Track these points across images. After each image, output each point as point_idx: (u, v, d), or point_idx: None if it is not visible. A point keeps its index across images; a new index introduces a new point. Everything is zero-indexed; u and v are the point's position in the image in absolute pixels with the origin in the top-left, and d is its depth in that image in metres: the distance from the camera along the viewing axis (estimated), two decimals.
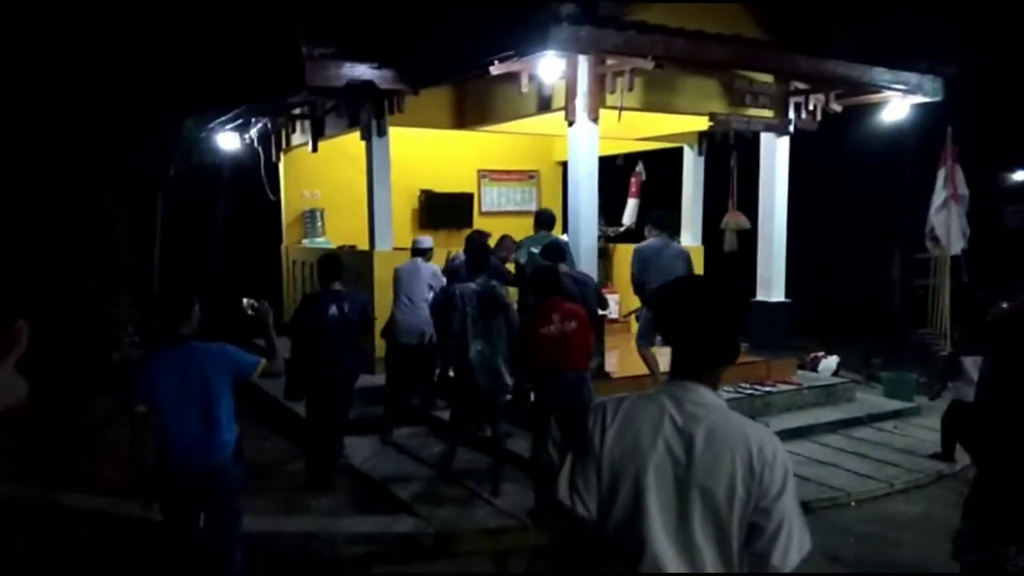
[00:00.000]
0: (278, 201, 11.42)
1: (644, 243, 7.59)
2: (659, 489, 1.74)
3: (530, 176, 13.01)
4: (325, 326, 6.04)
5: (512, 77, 7.24)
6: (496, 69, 6.64)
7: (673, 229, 7.86)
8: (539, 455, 1.76)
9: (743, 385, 7.96)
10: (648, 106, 7.46)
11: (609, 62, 6.93)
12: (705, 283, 2.04)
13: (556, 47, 5.97)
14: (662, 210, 8.20)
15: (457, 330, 5.88)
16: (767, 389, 7.93)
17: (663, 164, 11.88)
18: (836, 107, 8.44)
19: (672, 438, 1.77)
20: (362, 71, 7.41)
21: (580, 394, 5.26)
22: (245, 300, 4.18)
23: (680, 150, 11.00)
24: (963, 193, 10.26)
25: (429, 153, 11.06)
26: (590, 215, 7.28)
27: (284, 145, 11.17)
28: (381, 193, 8.70)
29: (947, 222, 10.17)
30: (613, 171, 12.53)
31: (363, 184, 10.46)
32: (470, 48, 6.84)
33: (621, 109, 6.90)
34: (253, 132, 10.93)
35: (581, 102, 7.01)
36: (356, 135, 8.97)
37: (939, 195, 10.19)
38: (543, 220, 7.57)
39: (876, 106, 8.85)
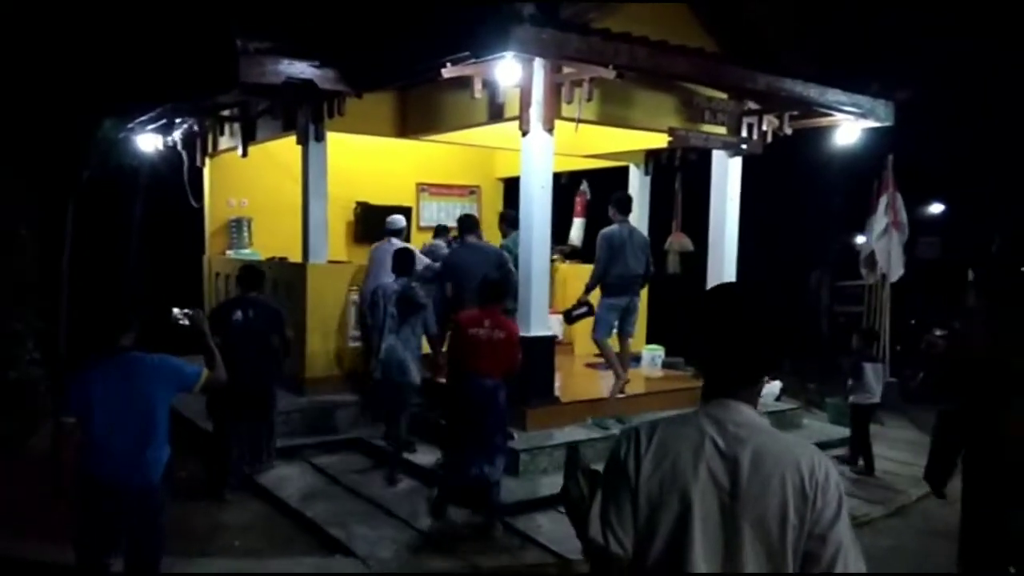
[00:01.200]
0: (201, 209, 10.69)
1: (611, 228, 7.49)
2: (704, 520, 1.58)
3: (471, 191, 12.62)
4: (228, 331, 5.97)
5: (463, 83, 6.84)
6: (449, 72, 6.22)
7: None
8: (569, 489, 1.45)
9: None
10: (604, 119, 7.17)
11: (566, 70, 6.60)
12: (748, 286, 1.86)
13: (517, 48, 5.59)
14: (624, 192, 8.14)
15: (379, 327, 6.37)
16: None
17: (607, 183, 11.64)
18: (787, 130, 8.34)
19: (715, 463, 1.62)
20: (301, 69, 6.89)
21: (495, 400, 5.37)
22: (176, 310, 4.11)
23: (625, 169, 10.80)
24: (903, 221, 10.38)
25: (366, 163, 10.52)
26: (543, 231, 6.91)
27: (210, 149, 10.48)
28: (317, 202, 8.14)
29: (887, 248, 10.24)
30: (557, 189, 12.26)
31: (294, 193, 9.88)
32: (421, 49, 6.41)
33: (579, 121, 6.57)
34: (177, 134, 10.22)
35: (536, 111, 6.65)
36: (290, 140, 8.42)
37: (880, 222, 10.27)
38: (513, 220, 7.81)
39: (810, 132, 8.83)
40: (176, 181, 10.37)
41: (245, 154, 9.35)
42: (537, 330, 6.88)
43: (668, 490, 1.61)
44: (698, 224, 11.82)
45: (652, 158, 10.54)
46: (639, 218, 10.69)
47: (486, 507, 5.48)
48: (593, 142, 9.01)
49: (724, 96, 7.51)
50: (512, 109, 6.95)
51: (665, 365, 9.35)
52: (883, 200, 10.19)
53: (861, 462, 7.26)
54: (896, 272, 10.34)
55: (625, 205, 7.63)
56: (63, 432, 3.56)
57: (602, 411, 7.27)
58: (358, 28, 7.12)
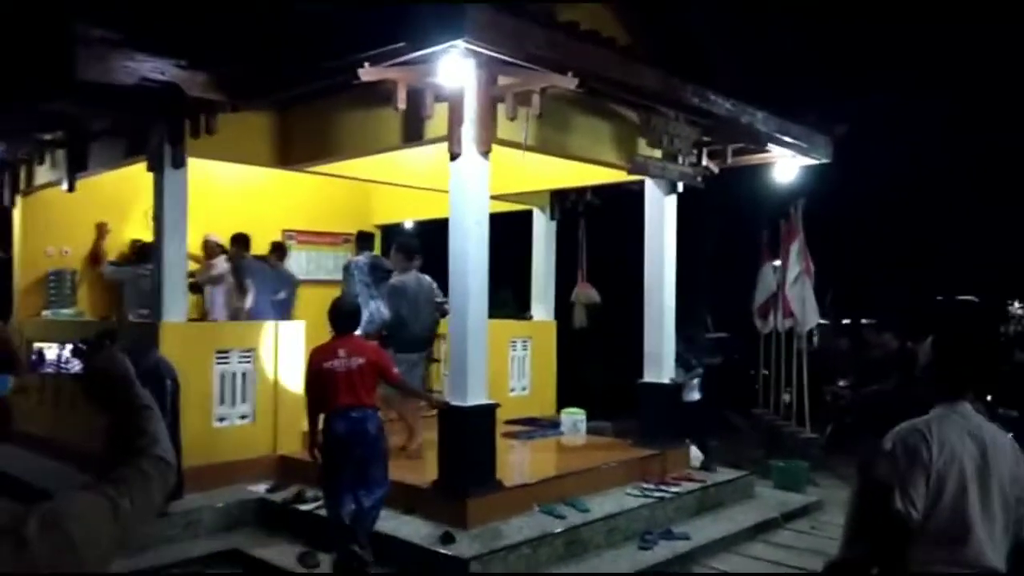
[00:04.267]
0: (9, 260, 8.52)
1: (402, 278, 7.06)
2: (972, 484, 2.30)
3: (345, 240, 11.07)
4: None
5: (371, 95, 5.55)
6: (367, 73, 4.86)
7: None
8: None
9: (646, 485, 6.56)
10: (542, 145, 6.04)
11: (503, 80, 5.44)
12: (980, 330, 3.37)
13: (472, 35, 4.33)
14: (411, 236, 8.09)
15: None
16: (675, 490, 6.58)
17: (506, 229, 10.50)
18: (714, 167, 7.61)
19: (971, 446, 2.35)
20: (162, 68, 5.27)
21: (364, 431, 4.96)
22: None
23: (528, 214, 9.75)
24: (811, 268, 10.00)
25: (220, 203, 8.73)
26: (480, 277, 5.60)
27: (23, 185, 8.40)
28: (174, 245, 6.38)
29: (802, 296, 9.78)
30: (443, 236, 11.02)
31: (131, 236, 8.34)
32: (327, 43, 5.03)
33: (525, 147, 5.41)
34: None
35: (469, 131, 5.41)
36: (133, 168, 6.74)
37: (793, 269, 9.80)
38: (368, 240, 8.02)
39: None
40: None
41: (72, 188, 7.42)
42: (474, 398, 5.53)
43: (949, 467, 2.30)
44: (603, 274, 11.01)
45: (558, 201, 9.57)
46: (546, 267, 9.69)
47: (358, 539, 4.94)
48: (491, 181, 7.87)
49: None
50: (437, 128, 5.69)
51: (590, 431, 8.22)
52: (795, 245, 9.74)
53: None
54: (812, 320, 9.89)
55: (413, 249, 7.28)
56: None
57: (547, 495, 5.97)
58: (238, 18, 5.59)
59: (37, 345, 2.54)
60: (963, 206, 17.74)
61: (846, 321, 18.78)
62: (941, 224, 18.33)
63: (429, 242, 10.78)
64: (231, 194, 8.88)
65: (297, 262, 10.25)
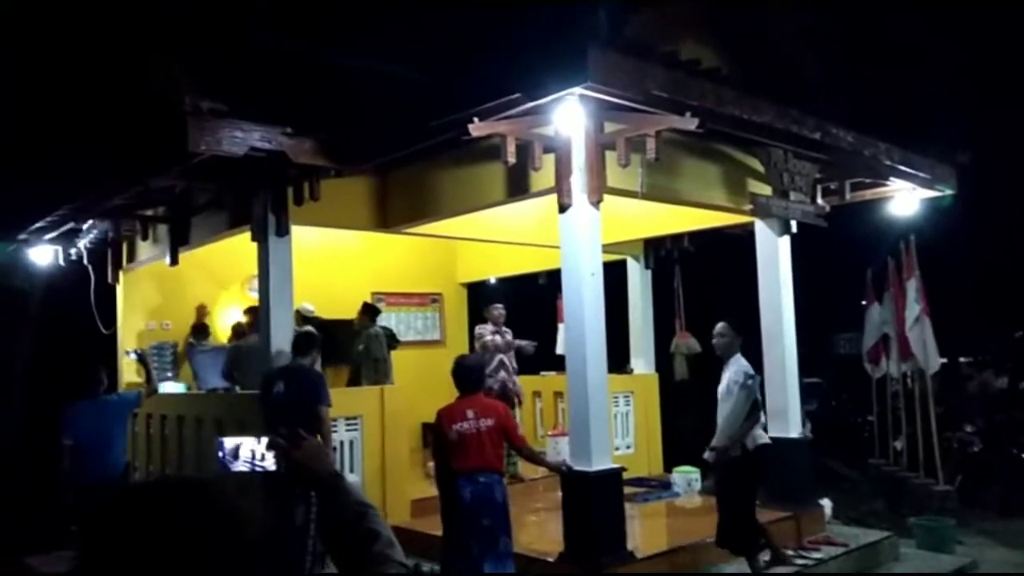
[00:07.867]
0: (113, 335, 8.64)
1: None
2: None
3: (433, 300, 11.02)
4: (268, 405, 5.62)
5: (472, 151, 5.43)
6: (477, 129, 4.70)
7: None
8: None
9: (786, 551, 6.02)
10: (655, 191, 5.75)
11: (610, 127, 5.23)
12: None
13: (596, 81, 4.12)
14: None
15: None
16: (817, 556, 6.04)
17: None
18: (824, 204, 7.17)
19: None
20: (269, 137, 5.23)
21: (492, 498, 4.71)
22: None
23: (622, 264, 9.43)
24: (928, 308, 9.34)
25: (314, 270, 8.66)
26: (597, 333, 5.28)
27: (125, 261, 8.55)
28: (281, 313, 6.30)
29: (922, 338, 9.12)
30: (534, 291, 10.80)
31: (229, 305, 8.55)
32: (435, 102, 4.91)
33: (642, 193, 5.15)
34: (83, 244, 8.27)
35: (579, 180, 5.18)
36: (227, 242, 6.82)
37: (912, 309, 9.18)
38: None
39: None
40: (82, 303, 8.35)
41: (174, 262, 7.47)
42: (599, 463, 5.17)
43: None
44: (700, 322, 10.55)
45: (652, 249, 9.25)
46: (643, 318, 9.32)
47: None
48: None
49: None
50: (543, 180, 5.48)
51: (706, 490, 7.71)
52: (912, 283, 9.13)
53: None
54: (934, 363, 9.20)
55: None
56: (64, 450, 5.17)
57: (681, 565, 5.53)
58: (340, 84, 5.54)
59: (226, 440, 2.09)
60: None
61: (943, 360, 17.78)
62: None
63: (515, 296, 10.62)
64: (321, 260, 8.85)
65: (388, 324, 10.16)
